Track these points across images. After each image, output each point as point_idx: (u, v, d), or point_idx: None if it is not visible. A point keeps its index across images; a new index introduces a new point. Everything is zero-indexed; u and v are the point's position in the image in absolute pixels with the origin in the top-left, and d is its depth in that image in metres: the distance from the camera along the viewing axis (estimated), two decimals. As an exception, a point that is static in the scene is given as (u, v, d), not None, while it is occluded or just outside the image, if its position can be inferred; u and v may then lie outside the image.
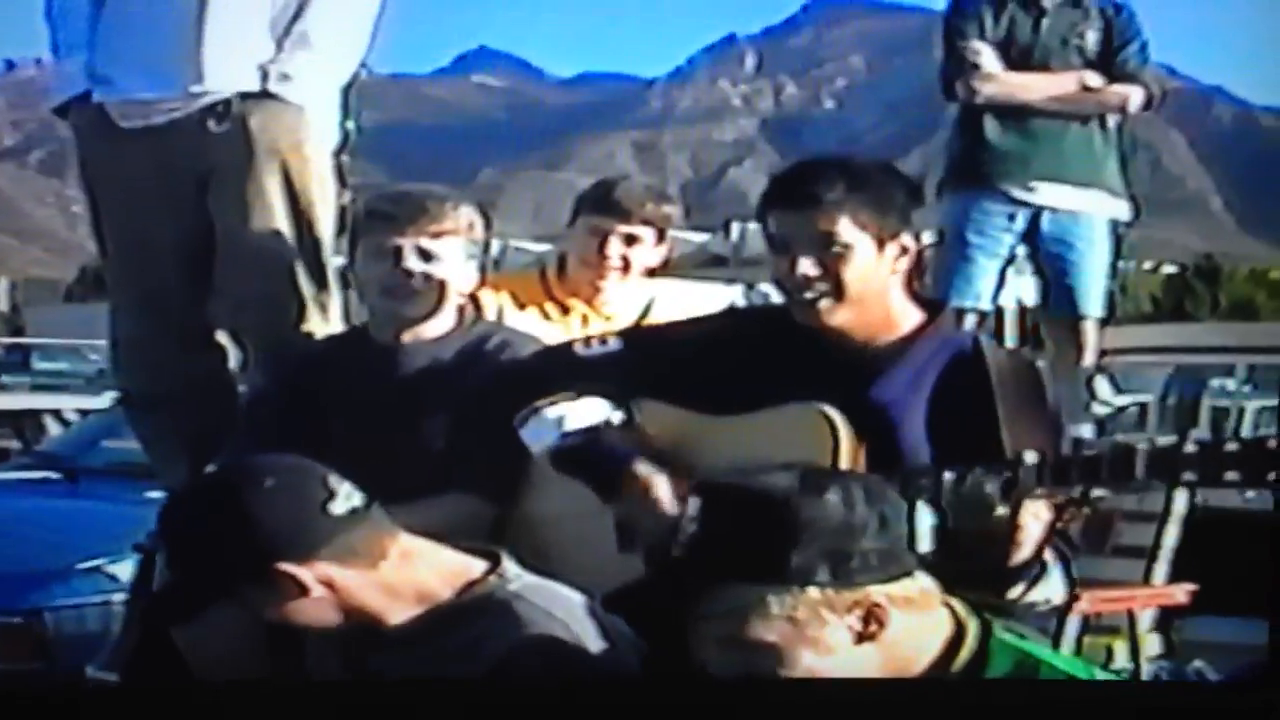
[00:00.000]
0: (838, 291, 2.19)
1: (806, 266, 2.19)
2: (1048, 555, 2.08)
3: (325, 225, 2.99)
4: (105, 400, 6.55)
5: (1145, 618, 3.96)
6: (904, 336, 2.25)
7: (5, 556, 4.08)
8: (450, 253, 2.65)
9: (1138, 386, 7.65)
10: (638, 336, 2.57)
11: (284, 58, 2.94)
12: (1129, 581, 3.90)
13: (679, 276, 4.05)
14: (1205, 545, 3.89)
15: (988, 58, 4.01)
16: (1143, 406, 7.32)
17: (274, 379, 2.86)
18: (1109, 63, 4.04)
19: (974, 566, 1.95)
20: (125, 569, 3.48)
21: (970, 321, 3.89)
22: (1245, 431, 7.37)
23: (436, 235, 2.64)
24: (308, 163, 2.96)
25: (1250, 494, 2.09)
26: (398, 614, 1.97)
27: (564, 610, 1.97)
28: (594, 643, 1.95)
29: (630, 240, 3.03)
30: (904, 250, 2.22)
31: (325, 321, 2.96)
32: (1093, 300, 4.01)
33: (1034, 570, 2.07)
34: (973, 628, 1.77)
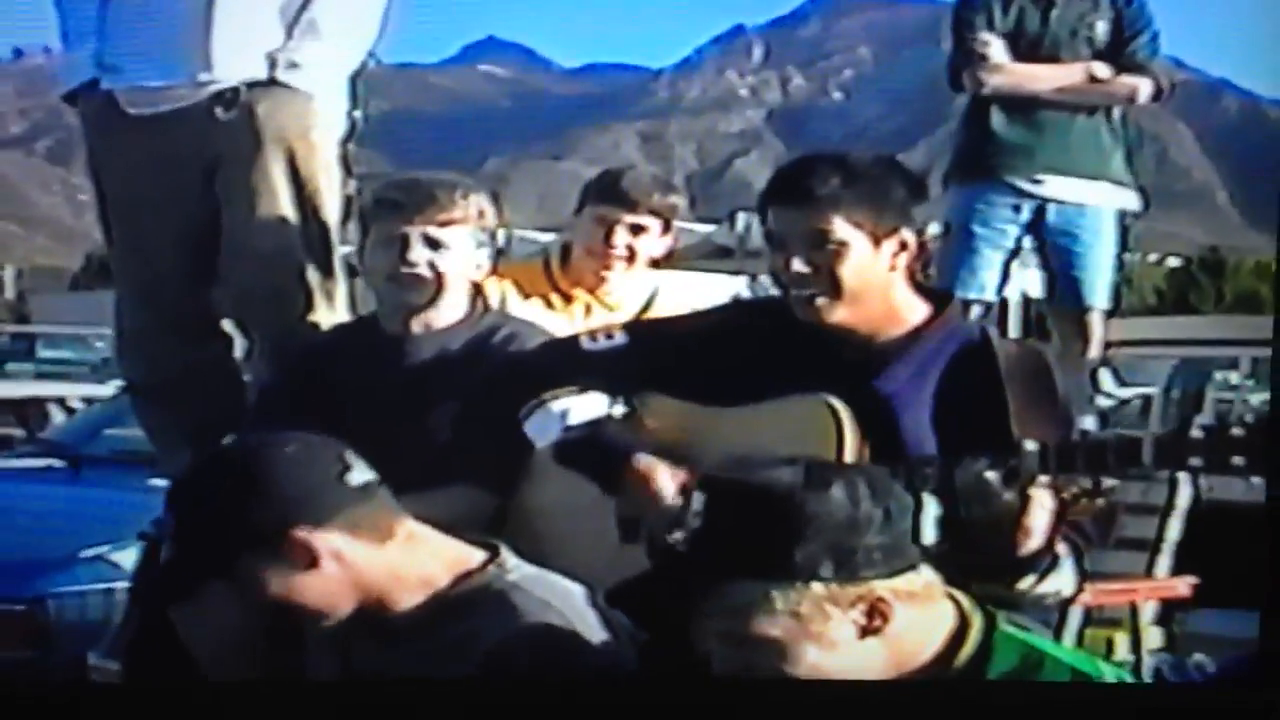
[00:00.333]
0: (834, 289, 2.20)
1: (798, 264, 2.20)
2: (1060, 547, 2.08)
3: (332, 214, 2.99)
4: (110, 389, 6.56)
5: (1147, 610, 3.97)
6: (910, 330, 2.25)
7: (8, 544, 4.09)
8: (458, 241, 2.65)
9: (1141, 379, 7.64)
10: (642, 329, 2.58)
11: (292, 46, 2.94)
12: (1131, 574, 3.91)
13: (684, 268, 4.05)
14: (1208, 538, 3.89)
15: (995, 49, 4.00)
16: (1146, 399, 7.31)
17: (283, 369, 2.86)
18: (1119, 53, 4.03)
19: (983, 558, 1.96)
20: (128, 557, 3.48)
21: (975, 313, 3.89)
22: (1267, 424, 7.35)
23: (445, 224, 2.64)
24: (315, 151, 2.96)
25: (1255, 482, 2.09)
26: (400, 599, 1.98)
27: (562, 601, 1.98)
28: (593, 634, 1.95)
29: (636, 230, 3.03)
30: (903, 246, 2.22)
31: (331, 311, 2.97)
32: (1098, 292, 4.01)
33: (1045, 561, 2.07)
34: (977, 621, 1.77)
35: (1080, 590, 2.28)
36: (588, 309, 3.07)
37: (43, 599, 3.90)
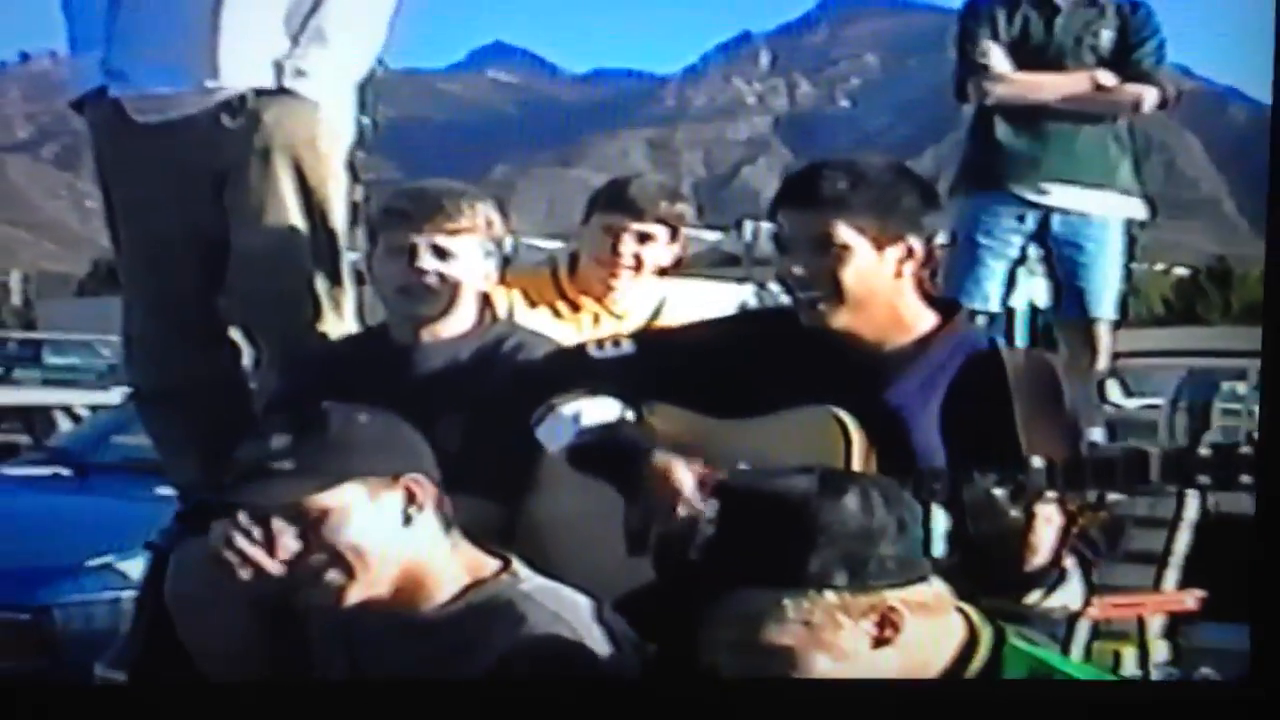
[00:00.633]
0: (836, 294, 2.20)
1: (799, 267, 2.20)
2: (1067, 562, 2.07)
3: (340, 222, 2.99)
4: (116, 396, 6.55)
5: (1154, 624, 3.95)
6: (918, 339, 2.25)
7: (14, 552, 4.07)
8: (466, 251, 2.65)
9: (1149, 390, 7.63)
10: (650, 338, 2.57)
11: (299, 53, 2.94)
12: (1139, 588, 3.89)
13: (691, 275, 4.05)
14: (1216, 552, 3.88)
15: (998, 58, 3.99)
16: (1154, 410, 7.30)
17: (291, 377, 2.86)
18: (1124, 62, 4.02)
19: (990, 572, 1.95)
20: (135, 566, 3.47)
21: (980, 323, 3.88)
22: (1257, 436, 7.35)
23: (453, 233, 2.63)
24: (322, 159, 2.96)
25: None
26: (423, 593, 2.01)
27: (572, 614, 1.98)
28: (599, 647, 1.95)
29: (643, 239, 3.03)
30: (909, 253, 2.22)
31: (340, 319, 2.96)
32: (1105, 303, 4.00)
33: (1053, 576, 2.06)
34: (986, 635, 1.76)
35: (1087, 604, 2.27)
36: (595, 318, 3.06)
37: (49, 608, 3.88)
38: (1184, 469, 1.95)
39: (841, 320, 2.21)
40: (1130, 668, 3.83)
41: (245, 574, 2.26)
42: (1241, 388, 7.96)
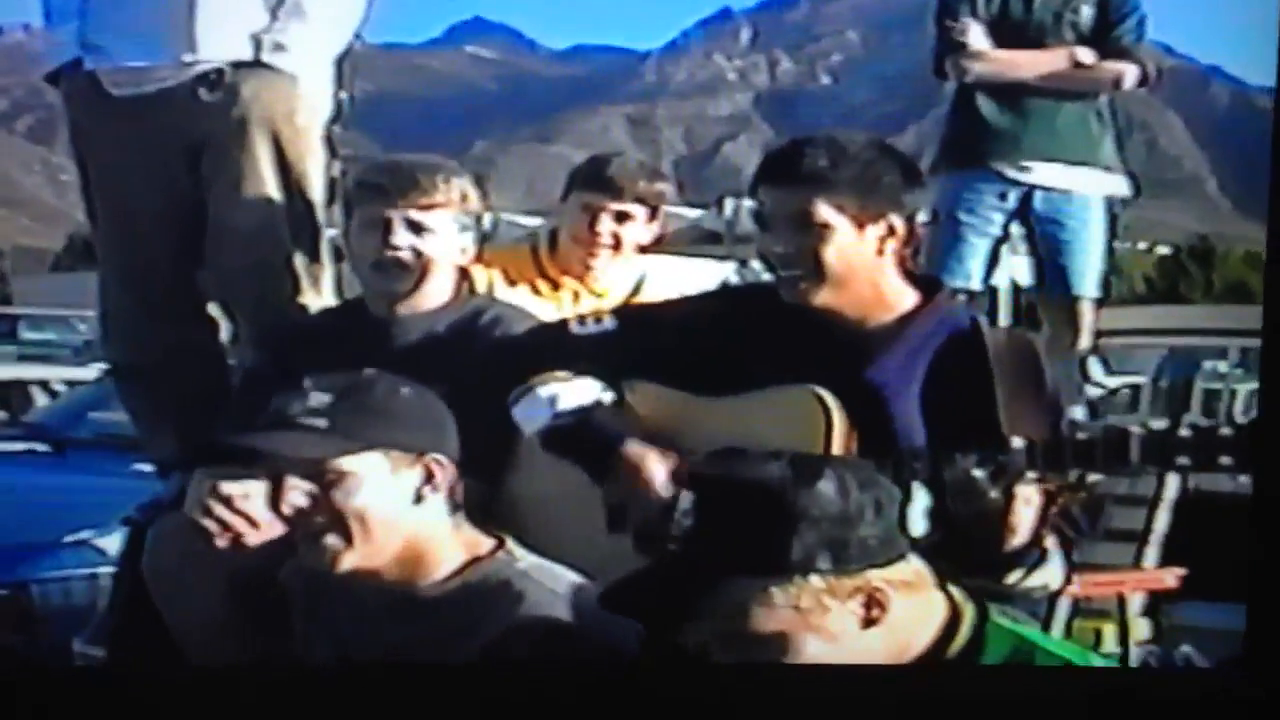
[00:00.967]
0: (817, 271, 2.19)
1: (781, 245, 2.19)
2: (1048, 541, 2.08)
3: (317, 197, 2.97)
4: (93, 372, 6.52)
5: (1134, 602, 3.96)
6: (900, 317, 2.24)
7: (-9, 529, 4.05)
8: (441, 226, 2.63)
9: (1130, 368, 7.64)
10: (631, 315, 2.56)
11: (278, 26, 2.91)
12: (1119, 565, 3.90)
13: (672, 253, 4.03)
14: (1196, 530, 3.89)
15: (976, 35, 3.98)
16: (1135, 389, 7.32)
17: (268, 352, 2.84)
18: (1104, 38, 4.01)
19: (972, 552, 1.95)
20: (112, 542, 3.45)
21: (961, 301, 3.87)
22: (1237, 415, 7.38)
23: (427, 208, 2.62)
24: (300, 133, 2.94)
25: (1242, 479, 2.09)
26: (421, 569, 2.02)
27: (568, 593, 1.98)
28: (596, 625, 1.94)
29: (622, 217, 3.01)
30: (891, 231, 2.21)
31: (317, 294, 2.95)
32: (1088, 280, 3.99)
33: (1033, 556, 2.06)
34: (969, 612, 1.77)
35: (1067, 583, 2.28)
36: (576, 295, 3.05)
37: (26, 584, 3.87)
38: (1164, 450, 1.95)
39: (823, 298, 2.21)
40: (1111, 645, 3.85)
41: (223, 542, 2.26)
42: (1223, 366, 7.99)
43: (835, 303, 2.22)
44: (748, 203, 2.30)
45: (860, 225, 2.20)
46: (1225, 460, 1.92)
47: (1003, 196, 3.96)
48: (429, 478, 2.03)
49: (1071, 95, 4.00)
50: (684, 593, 1.70)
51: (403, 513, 2.01)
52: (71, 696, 1.90)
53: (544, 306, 2.95)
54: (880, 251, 2.22)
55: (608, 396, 2.28)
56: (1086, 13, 4.01)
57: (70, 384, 7.58)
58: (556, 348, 2.34)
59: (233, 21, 2.90)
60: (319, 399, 2.03)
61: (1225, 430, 1.93)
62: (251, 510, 2.28)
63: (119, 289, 3.04)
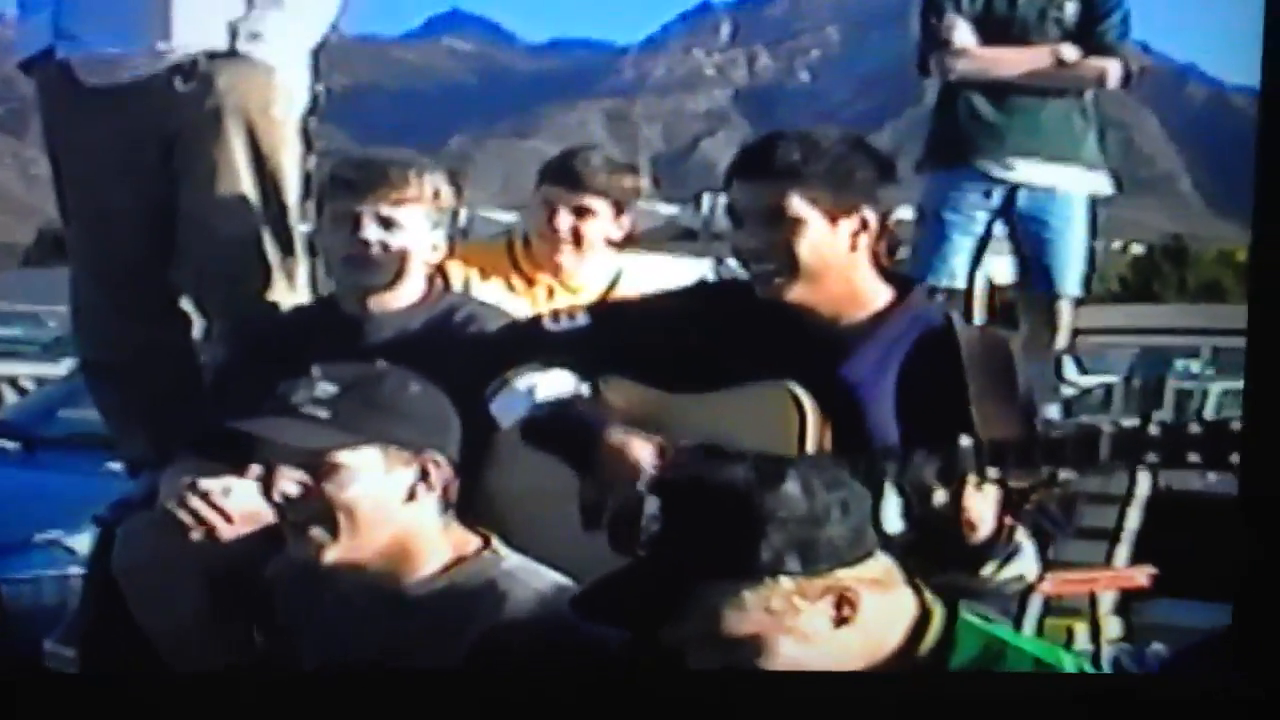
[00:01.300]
0: (790, 266, 2.19)
1: (753, 240, 2.19)
2: (1020, 534, 2.08)
3: (292, 191, 2.95)
4: (64, 368, 6.48)
5: (1106, 600, 3.98)
6: (874, 314, 2.24)
7: (-40, 529, 4.02)
8: (412, 221, 2.62)
9: (1103, 368, 7.68)
10: (605, 311, 2.56)
11: (254, 16, 2.89)
12: (1091, 564, 3.92)
13: (649, 249, 4.03)
14: (1167, 528, 3.91)
15: (960, 33, 3.98)
16: (1108, 388, 7.35)
17: (241, 348, 2.83)
18: (1088, 35, 4.01)
19: (944, 547, 1.96)
20: (83, 541, 3.44)
21: (939, 300, 3.87)
22: (1209, 414, 7.42)
23: (398, 203, 2.60)
24: (275, 125, 2.92)
25: (1212, 477, 2.10)
26: (407, 566, 2.01)
27: (554, 594, 1.98)
28: (580, 625, 1.94)
29: (582, 212, 2.98)
30: (864, 226, 2.21)
31: (291, 290, 2.93)
32: (1070, 279, 4.00)
33: (1003, 548, 2.07)
34: (938, 610, 1.77)
35: (1042, 578, 2.28)
36: (550, 291, 3.03)
37: (-4, 584, 3.85)
38: (1134, 447, 1.96)
39: (796, 294, 2.21)
40: (1083, 643, 3.86)
41: (197, 535, 2.24)
42: (1195, 366, 8.03)
43: (809, 299, 2.22)
44: (725, 199, 2.29)
45: (833, 220, 2.20)
46: (1194, 457, 1.93)
47: (987, 195, 3.97)
48: (424, 476, 2.02)
49: (1056, 92, 4.00)
50: (654, 598, 1.70)
51: (393, 509, 2.00)
52: (45, 702, 1.89)
53: (519, 303, 2.94)
54: (854, 247, 2.22)
55: (584, 388, 2.28)
56: (1070, 9, 4.02)
57: (40, 381, 7.54)
58: (530, 344, 2.34)
59: (209, 10, 2.88)
60: (325, 389, 2.01)
61: (1194, 427, 1.94)
62: (228, 506, 2.27)
63: (91, 284, 3.02)
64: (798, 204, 2.18)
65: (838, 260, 2.21)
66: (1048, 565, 2.25)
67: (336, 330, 2.64)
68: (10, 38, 3.13)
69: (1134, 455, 1.97)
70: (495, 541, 2.07)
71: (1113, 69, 4.01)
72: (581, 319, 2.38)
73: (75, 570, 3.55)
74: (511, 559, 2.05)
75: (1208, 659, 1.94)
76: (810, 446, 2.12)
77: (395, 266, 2.62)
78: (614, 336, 2.34)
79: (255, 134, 2.89)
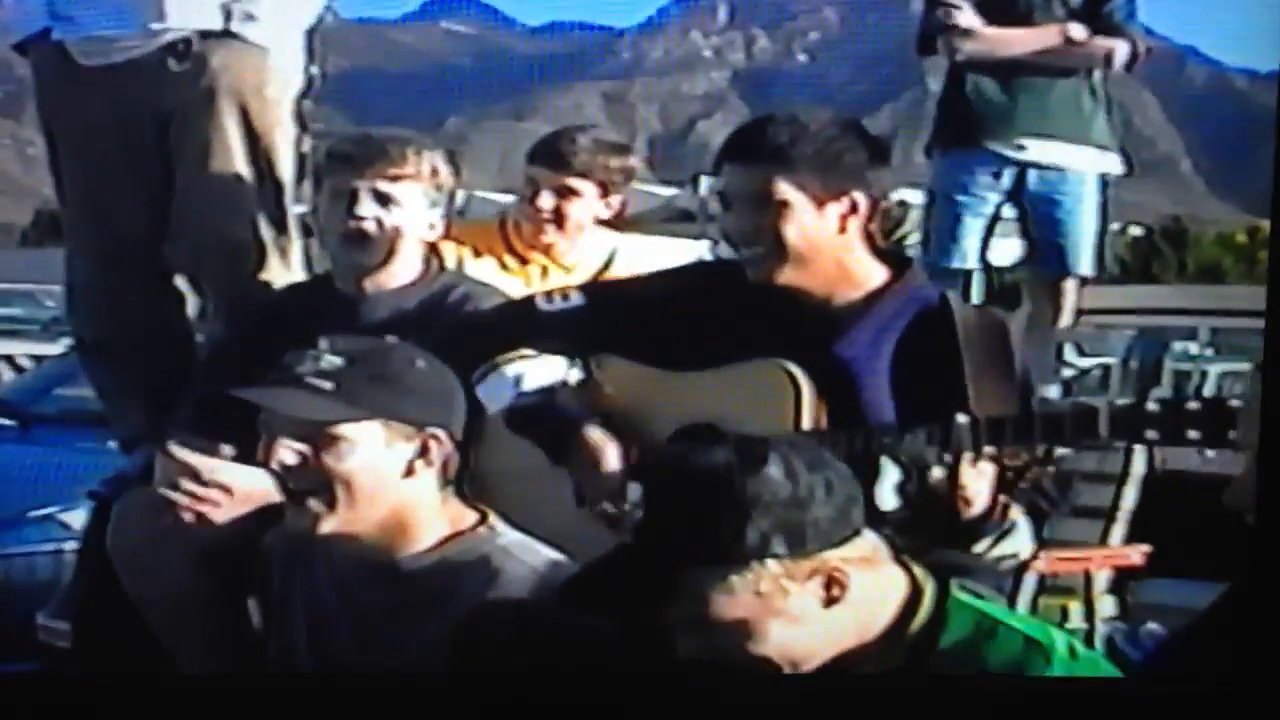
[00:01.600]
0: (778, 249, 2.19)
1: (740, 223, 2.19)
2: (1015, 511, 2.09)
3: (286, 171, 2.95)
4: (60, 347, 6.48)
5: (1101, 579, 3.98)
6: (868, 294, 2.25)
7: (-44, 504, 4.03)
8: (409, 198, 2.62)
9: (1101, 349, 7.67)
10: (599, 291, 2.56)
11: None
12: (1086, 542, 3.92)
13: (645, 231, 4.02)
14: (1162, 508, 3.91)
15: (965, 14, 3.97)
16: (1105, 369, 7.34)
17: (236, 327, 2.83)
18: (1095, 15, 4.00)
19: (939, 523, 1.97)
20: (78, 517, 3.44)
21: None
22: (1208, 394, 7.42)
23: (395, 179, 2.60)
24: (270, 106, 2.92)
25: (1210, 454, 2.11)
26: (405, 538, 2.02)
27: (548, 571, 1.98)
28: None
29: (565, 193, 2.98)
30: (853, 208, 2.21)
31: (286, 268, 2.93)
32: (1082, 259, 3.99)
33: (997, 524, 2.07)
34: (929, 588, 1.77)
35: (1036, 555, 2.29)
36: (545, 271, 3.04)
37: (-10, 559, 3.86)
38: (1132, 424, 1.96)
39: (786, 276, 2.21)
40: (1077, 622, 3.86)
41: (189, 516, 2.25)
42: (1194, 347, 8.03)
43: (799, 280, 2.22)
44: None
45: (820, 203, 2.19)
46: (1193, 434, 1.93)
47: (997, 175, 3.95)
48: (424, 452, 2.02)
49: (1064, 72, 3.98)
50: (641, 585, 1.70)
51: (391, 483, 2.01)
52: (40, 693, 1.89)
53: (513, 283, 2.94)
54: (843, 229, 2.22)
55: (574, 375, 2.28)
56: None
57: (36, 359, 7.54)
58: (524, 324, 2.34)
59: None
60: (331, 361, 2.02)
61: (1192, 404, 1.95)
62: (221, 484, 2.27)
63: (86, 263, 3.02)
64: (784, 188, 2.18)
65: (826, 243, 2.21)
66: (1042, 543, 2.26)
67: (331, 310, 2.64)
68: (6, 19, 3.13)
69: (1133, 432, 1.99)
70: (493, 518, 2.07)
71: (1120, 48, 3.99)
72: (575, 298, 2.39)
73: (70, 546, 3.56)
74: (508, 535, 2.06)
75: (1201, 642, 1.94)
76: (806, 423, 2.13)
77: (390, 244, 2.62)
78: (608, 316, 2.34)
79: (249, 114, 2.89)
